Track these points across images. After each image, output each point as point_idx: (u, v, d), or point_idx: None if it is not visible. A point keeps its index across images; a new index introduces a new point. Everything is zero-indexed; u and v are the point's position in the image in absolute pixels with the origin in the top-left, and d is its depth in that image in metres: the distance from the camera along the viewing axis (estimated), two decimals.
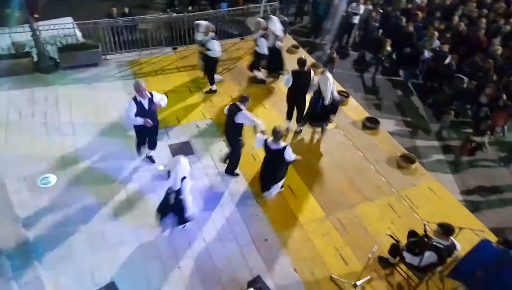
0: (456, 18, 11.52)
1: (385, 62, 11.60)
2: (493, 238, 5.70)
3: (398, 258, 5.36)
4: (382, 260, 5.62)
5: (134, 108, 6.04)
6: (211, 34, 8.14)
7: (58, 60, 9.07)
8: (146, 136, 6.60)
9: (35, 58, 8.87)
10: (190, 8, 12.51)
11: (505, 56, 10.39)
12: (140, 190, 6.42)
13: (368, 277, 5.34)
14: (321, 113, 7.34)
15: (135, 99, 6.07)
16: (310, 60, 9.86)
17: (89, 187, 6.36)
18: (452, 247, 4.89)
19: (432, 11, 12.39)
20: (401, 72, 11.47)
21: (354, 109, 8.61)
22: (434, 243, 4.80)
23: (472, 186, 8.16)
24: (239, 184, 6.68)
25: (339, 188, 6.74)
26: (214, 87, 8.75)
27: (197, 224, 5.95)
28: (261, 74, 9.23)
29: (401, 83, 11.25)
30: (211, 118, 8.04)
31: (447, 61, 10.37)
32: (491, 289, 3.92)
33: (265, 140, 5.86)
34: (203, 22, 8.46)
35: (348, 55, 12.41)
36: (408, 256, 5.03)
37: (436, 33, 10.81)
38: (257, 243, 5.79)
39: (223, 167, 6.82)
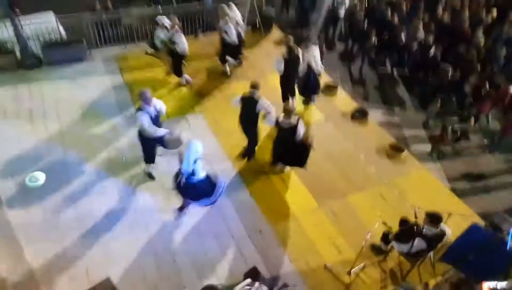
0: (440, 10, 11.68)
1: (371, 53, 11.69)
2: (481, 223, 5.85)
3: (390, 245, 5.47)
4: (374, 248, 5.71)
5: (148, 118, 5.76)
6: (177, 28, 7.99)
7: (41, 57, 8.88)
8: (154, 149, 6.32)
9: (18, 55, 8.66)
10: (174, 1, 12.36)
11: (486, 46, 10.61)
12: (132, 186, 6.37)
13: (362, 265, 5.43)
14: (314, 84, 7.80)
15: (141, 109, 5.80)
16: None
17: (79, 184, 6.28)
18: (442, 233, 5.01)
19: (417, 2, 12.53)
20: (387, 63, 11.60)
21: (342, 101, 8.69)
22: (423, 231, 4.92)
23: (459, 173, 8.34)
24: (231, 177, 6.68)
25: (331, 178, 6.82)
26: (183, 80, 8.60)
27: (190, 218, 5.95)
28: (230, 62, 9.14)
29: (388, 74, 11.36)
30: (201, 112, 8.00)
31: (431, 52, 10.53)
32: (481, 270, 4.04)
33: (277, 119, 6.13)
34: (166, 18, 8.36)
35: (334, 47, 12.47)
36: (396, 246, 5.14)
37: (421, 24, 10.95)
38: (251, 235, 5.83)
39: None
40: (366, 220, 6.07)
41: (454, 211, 5.46)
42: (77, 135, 7.20)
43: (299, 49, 7.62)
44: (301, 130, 6.10)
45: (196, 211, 6.06)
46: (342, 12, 12.24)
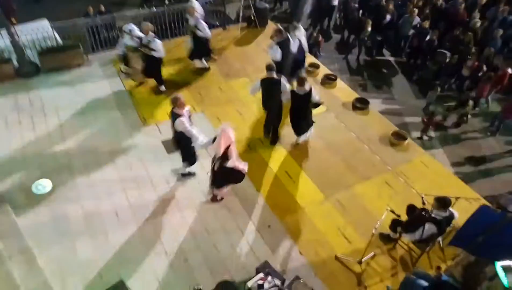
0: None
1: (367, 42, 11.69)
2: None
3: (399, 232, 5.50)
4: (383, 237, 5.74)
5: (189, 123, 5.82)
6: (151, 34, 7.70)
7: (39, 64, 8.86)
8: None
9: (16, 64, 8.64)
10: (167, 2, 12.33)
11: (483, 27, 10.60)
12: (138, 187, 6.39)
13: (372, 253, 5.47)
14: (302, 60, 8.18)
15: (178, 114, 5.75)
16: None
17: (86, 190, 6.30)
18: (451, 217, 5.05)
19: None
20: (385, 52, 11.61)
21: (343, 91, 8.68)
22: (433, 215, 4.95)
23: (462, 158, 8.39)
24: None
25: (336, 169, 6.84)
26: (163, 87, 8.37)
27: (198, 216, 5.98)
28: (203, 61, 9.09)
29: (386, 62, 11.38)
30: (201, 111, 8.00)
31: (428, 37, 10.53)
32: (493, 251, 4.06)
33: (292, 91, 6.55)
34: (133, 25, 8.05)
35: (330, 38, 12.47)
36: (407, 236, 5.18)
37: (416, 10, 10.94)
38: (260, 230, 5.86)
39: None
40: (373, 209, 6.10)
41: (460, 195, 5.49)
42: (80, 139, 7.19)
43: (286, 33, 7.84)
44: (315, 93, 6.65)
45: (204, 209, 6.09)
46: (336, 2, 12.22)
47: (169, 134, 7.34)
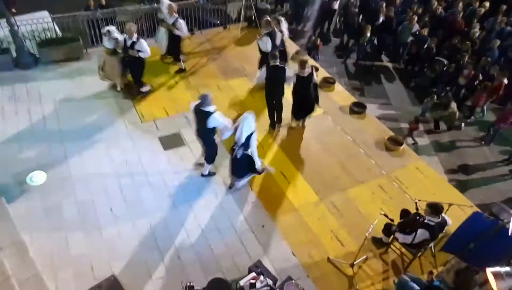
0: (434, 2, 11.77)
1: (366, 47, 11.77)
2: None
3: (391, 237, 5.54)
4: (376, 241, 5.78)
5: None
6: (135, 35, 7.54)
7: (38, 56, 8.82)
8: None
9: (14, 54, 8.59)
10: None
11: (481, 37, 10.72)
12: (133, 183, 6.39)
13: (364, 257, 5.51)
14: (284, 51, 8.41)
15: (211, 111, 5.79)
16: (294, 47, 9.93)
17: (80, 183, 6.28)
18: (443, 223, 5.10)
19: None
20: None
21: (340, 95, 8.73)
22: (425, 221, 5.00)
23: (456, 165, 8.47)
24: None
25: (331, 172, 6.88)
26: (144, 88, 8.23)
27: (192, 213, 5.99)
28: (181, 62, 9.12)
29: (384, 68, 11.46)
30: None
31: (426, 44, 10.61)
32: (483, 258, 4.11)
33: (296, 74, 6.87)
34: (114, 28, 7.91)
35: (330, 41, 12.53)
36: (400, 237, 5.21)
37: (415, 18, 11.02)
38: (254, 229, 5.87)
39: None
40: (367, 212, 6.15)
41: (453, 202, 5.54)
42: (76, 133, 7.16)
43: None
44: (315, 74, 7.05)
45: (198, 207, 6.10)
46: (336, 6, 12.28)
47: (166, 131, 7.41)
